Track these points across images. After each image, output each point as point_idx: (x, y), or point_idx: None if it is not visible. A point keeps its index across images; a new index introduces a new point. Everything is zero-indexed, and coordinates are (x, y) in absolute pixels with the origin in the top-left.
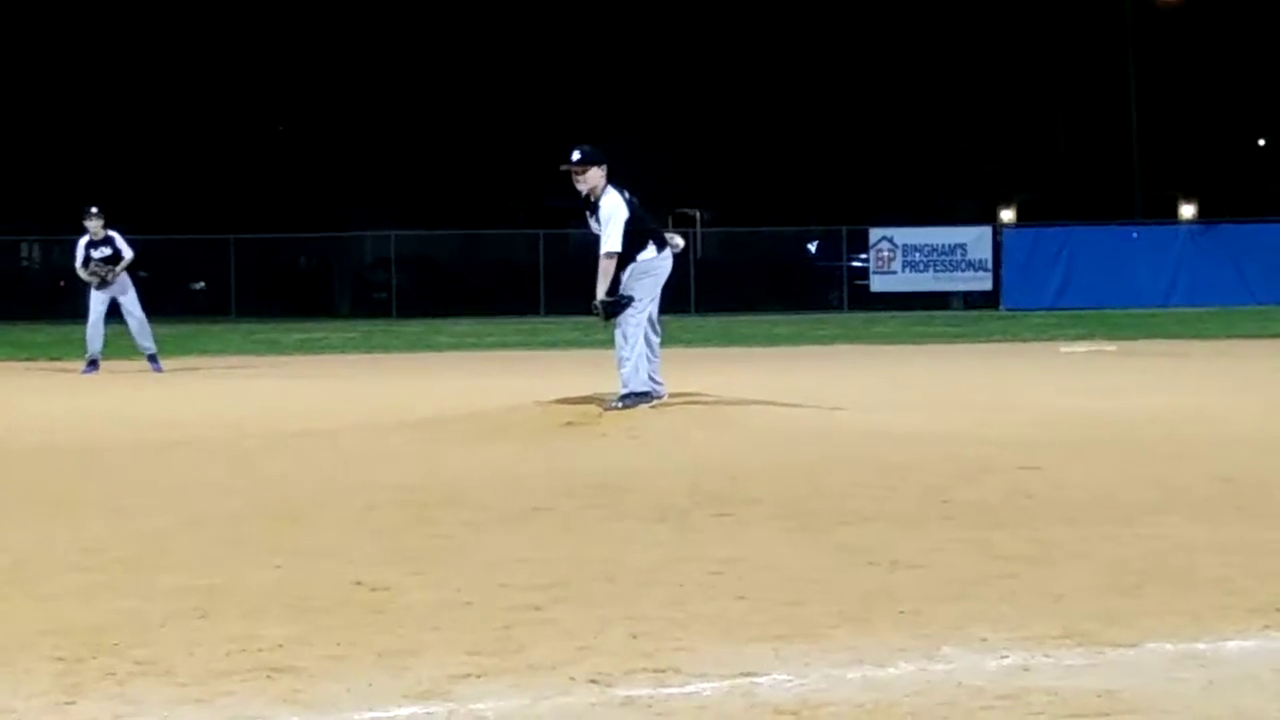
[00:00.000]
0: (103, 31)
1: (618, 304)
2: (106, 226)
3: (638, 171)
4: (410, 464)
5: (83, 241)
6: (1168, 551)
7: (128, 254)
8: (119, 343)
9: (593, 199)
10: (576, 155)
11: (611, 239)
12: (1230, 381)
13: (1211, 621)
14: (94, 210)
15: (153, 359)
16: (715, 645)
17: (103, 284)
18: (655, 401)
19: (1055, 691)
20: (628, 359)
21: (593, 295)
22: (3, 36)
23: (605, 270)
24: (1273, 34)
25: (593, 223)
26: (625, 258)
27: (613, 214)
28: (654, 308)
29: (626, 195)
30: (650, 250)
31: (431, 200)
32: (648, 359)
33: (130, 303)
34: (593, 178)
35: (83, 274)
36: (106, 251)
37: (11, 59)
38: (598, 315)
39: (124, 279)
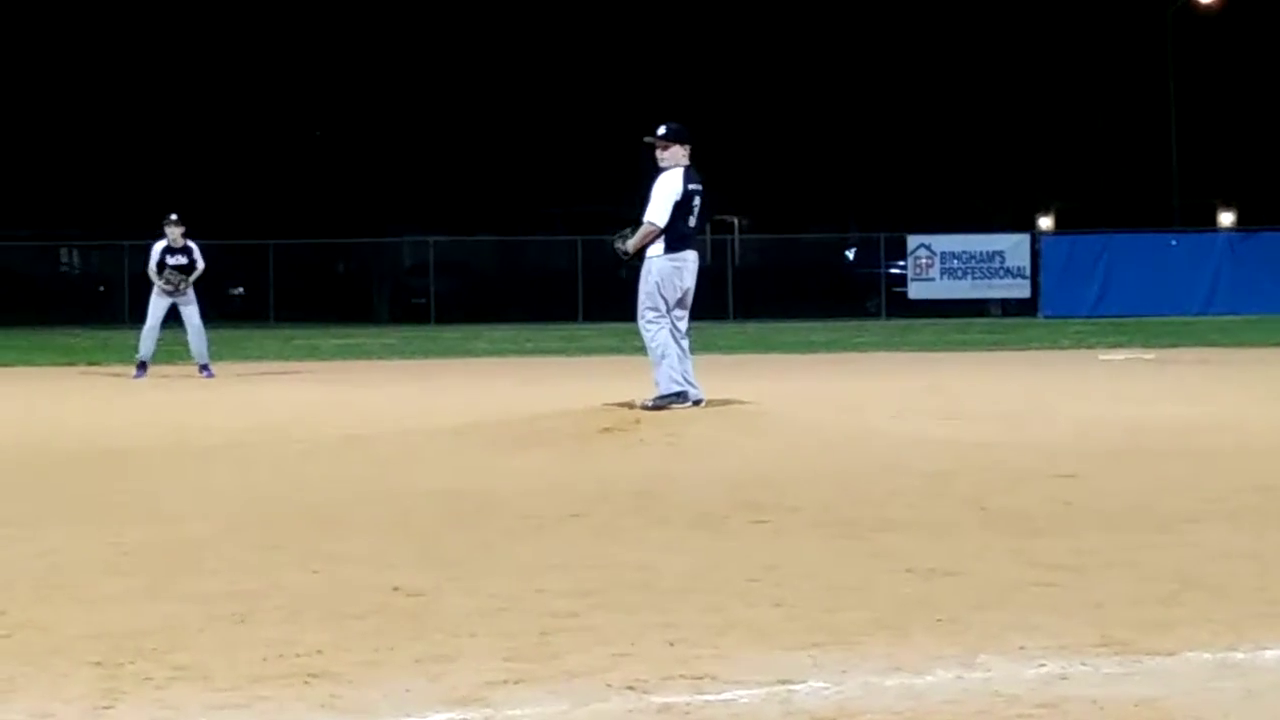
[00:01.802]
0: (142, 37)
1: (620, 254)
2: (186, 235)
3: None
4: (448, 470)
5: (159, 246)
6: (1206, 560)
7: (201, 265)
8: (168, 348)
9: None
10: (662, 130)
11: (652, 209)
12: (1270, 390)
13: (1250, 630)
14: (174, 218)
15: (204, 367)
16: (752, 652)
17: (175, 292)
18: (689, 403)
19: (1093, 700)
20: (657, 361)
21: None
22: (42, 42)
23: (642, 233)
24: None
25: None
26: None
27: (659, 188)
28: (679, 311)
29: (691, 187)
30: (658, 247)
31: (470, 206)
32: (679, 358)
33: (191, 313)
34: (673, 155)
35: (155, 279)
36: (183, 260)
37: (50, 64)
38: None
39: (189, 290)
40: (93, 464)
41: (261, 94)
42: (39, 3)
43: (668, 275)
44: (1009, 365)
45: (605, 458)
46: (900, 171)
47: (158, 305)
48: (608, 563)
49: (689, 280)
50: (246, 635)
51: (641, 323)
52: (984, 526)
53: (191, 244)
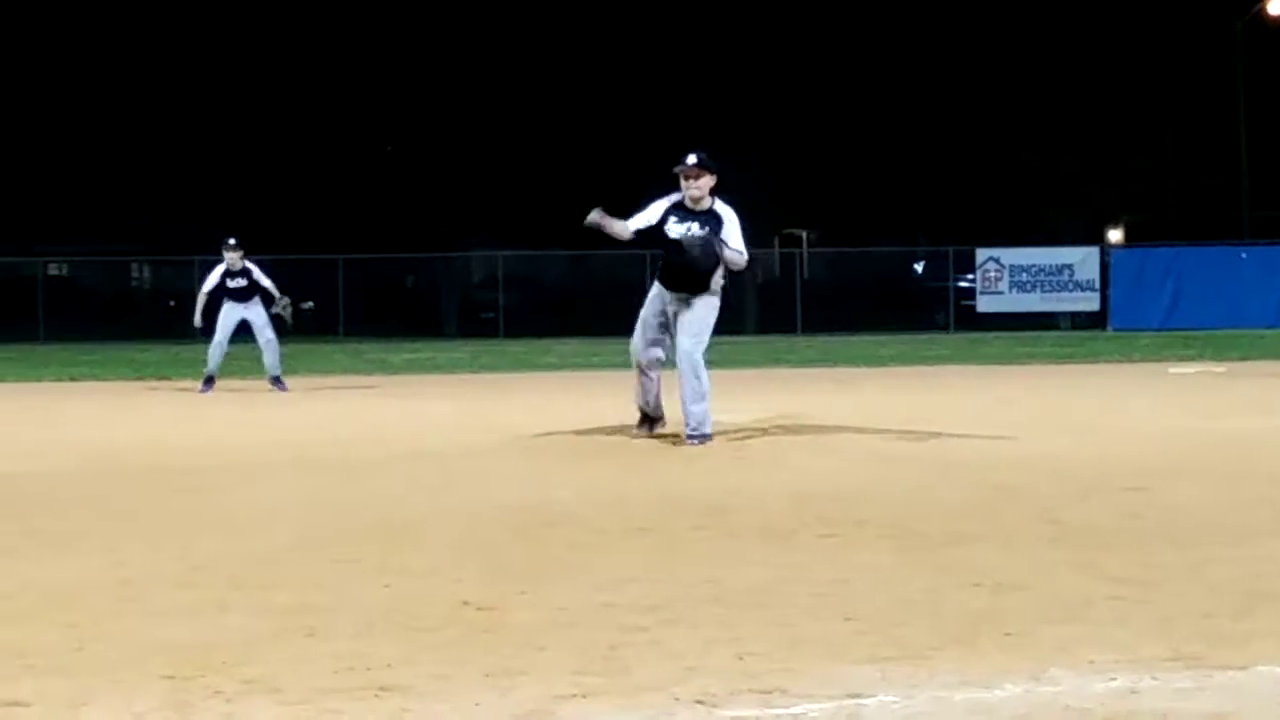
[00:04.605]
0: (210, 53)
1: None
2: (245, 258)
3: (744, 191)
4: (517, 484)
5: (218, 270)
6: (1278, 574)
7: (266, 283)
8: (238, 362)
9: (698, 207)
10: (693, 159)
11: (743, 246)
12: None
13: None
14: (232, 242)
15: (277, 380)
16: (821, 666)
17: (287, 321)
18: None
19: (1164, 714)
20: (705, 395)
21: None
22: (109, 60)
23: (733, 260)
24: None
25: (688, 226)
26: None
27: (736, 221)
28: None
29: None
30: (718, 280)
31: (539, 220)
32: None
33: (264, 328)
34: (705, 184)
35: (201, 300)
36: (243, 283)
37: (118, 81)
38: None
39: (257, 303)
40: (163, 477)
41: (332, 109)
42: (112, 21)
43: (717, 310)
44: (1078, 378)
45: (673, 471)
46: (969, 185)
47: (226, 320)
48: (676, 577)
49: None
50: (317, 648)
51: (699, 354)
52: (1053, 540)
53: (250, 265)
